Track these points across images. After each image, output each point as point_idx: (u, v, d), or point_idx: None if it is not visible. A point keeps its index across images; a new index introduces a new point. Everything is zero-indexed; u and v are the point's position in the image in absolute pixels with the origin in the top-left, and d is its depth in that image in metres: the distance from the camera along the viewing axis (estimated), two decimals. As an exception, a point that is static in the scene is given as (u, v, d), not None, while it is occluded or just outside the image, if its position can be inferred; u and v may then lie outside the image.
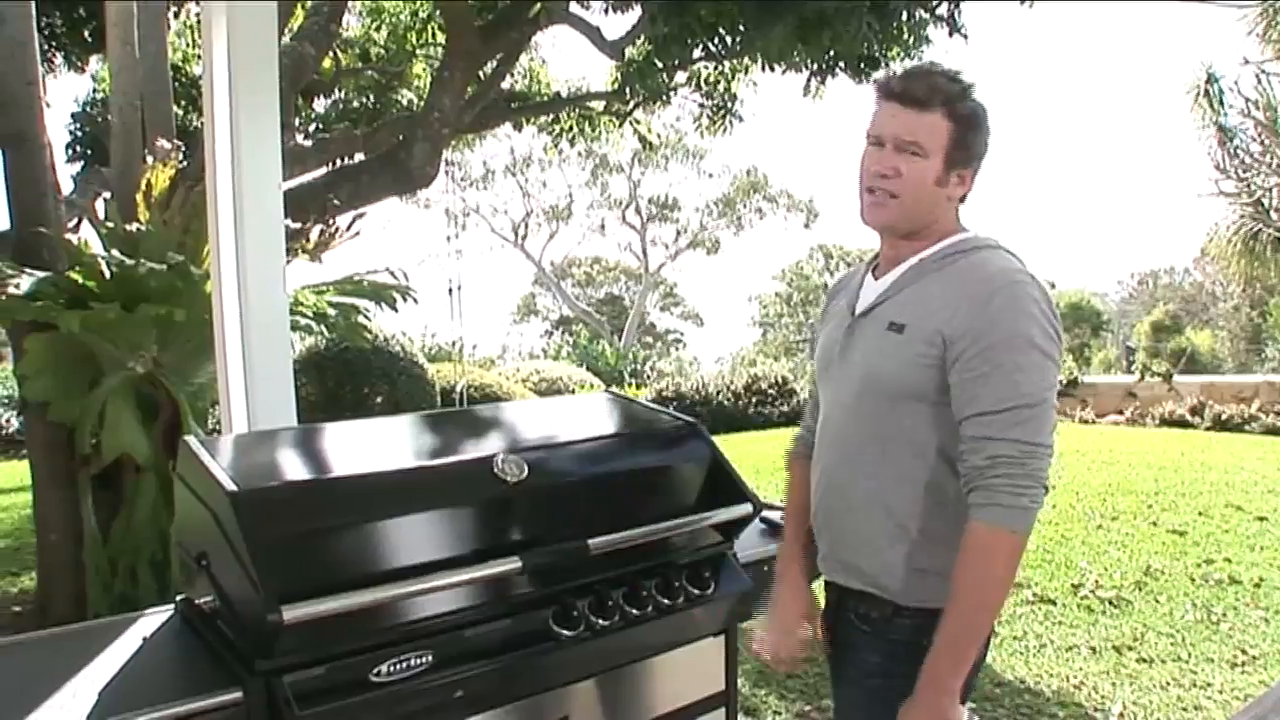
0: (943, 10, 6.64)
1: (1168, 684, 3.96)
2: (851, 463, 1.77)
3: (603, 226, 34.96)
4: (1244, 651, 4.29)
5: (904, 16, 6.37)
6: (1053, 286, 29.34)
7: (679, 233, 34.52)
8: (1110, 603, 5.02)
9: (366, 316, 4.97)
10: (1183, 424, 12.84)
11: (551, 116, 11.08)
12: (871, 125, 1.74)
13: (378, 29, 10.51)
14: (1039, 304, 1.63)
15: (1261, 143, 11.91)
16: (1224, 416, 12.44)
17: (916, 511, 1.70)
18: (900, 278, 1.77)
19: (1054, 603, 5.04)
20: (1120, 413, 14.06)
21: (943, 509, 1.69)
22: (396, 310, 4.90)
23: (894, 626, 1.73)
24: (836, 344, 1.84)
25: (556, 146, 12.01)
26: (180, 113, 7.86)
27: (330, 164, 8.23)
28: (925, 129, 1.67)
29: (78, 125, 9.76)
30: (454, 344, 15.92)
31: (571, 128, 11.15)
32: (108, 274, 4.19)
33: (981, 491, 1.59)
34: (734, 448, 10.22)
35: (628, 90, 8.87)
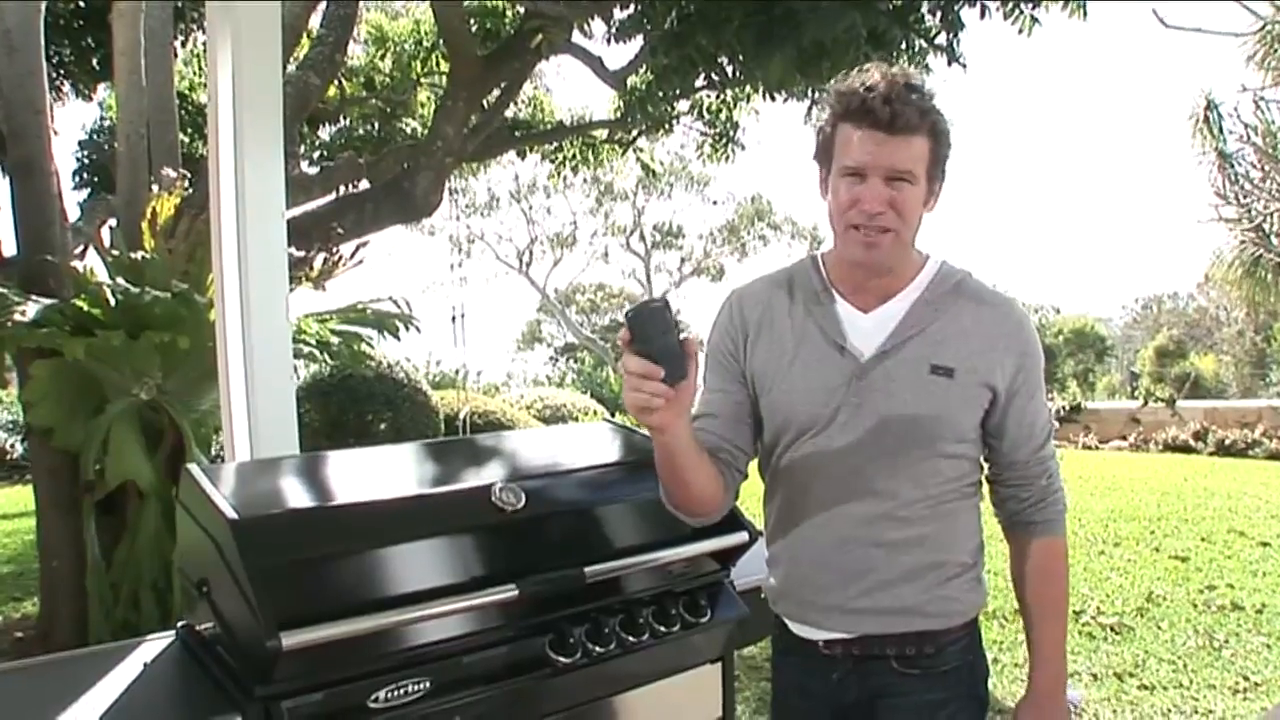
0: (941, 39, 6.67)
1: (1169, 711, 3.95)
2: (888, 514, 1.63)
3: (606, 253, 34.99)
4: (1246, 678, 4.28)
5: (903, 46, 6.41)
6: (1057, 311, 29.35)
7: (683, 260, 34.50)
8: (1112, 629, 5.01)
9: (370, 345, 4.99)
10: (1186, 449, 12.85)
11: (555, 144, 11.14)
12: (846, 155, 1.54)
13: (382, 58, 10.60)
14: None
15: (1261, 169, 11.96)
16: (1227, 442, 12.45)
17: (970, 547, 1.72)
18: (912, 313, 1.63)
19: (1056, 629, 5.02)
20: (1124, 438, 14.04)
21: (978, 532, 1.74)
22: (399, 339, 4.93)
23: (946, 655, 1.69)
24: (839, 388, 1.62)
25: (560, 174, 12.05)
26: (186, 140, 7.93)
27: (334, 192, 8.28)
28: (915, 155, 1.52)
29: (84, 153, 9.86)
30: (458, 371, 15.95)
31: (575, 155, 11.21)
32: (113, 301, 4.22)
33: (1046, 509, 1.70)
34: (736, 473, 10.24)
35: (630, 119, 8.93)
